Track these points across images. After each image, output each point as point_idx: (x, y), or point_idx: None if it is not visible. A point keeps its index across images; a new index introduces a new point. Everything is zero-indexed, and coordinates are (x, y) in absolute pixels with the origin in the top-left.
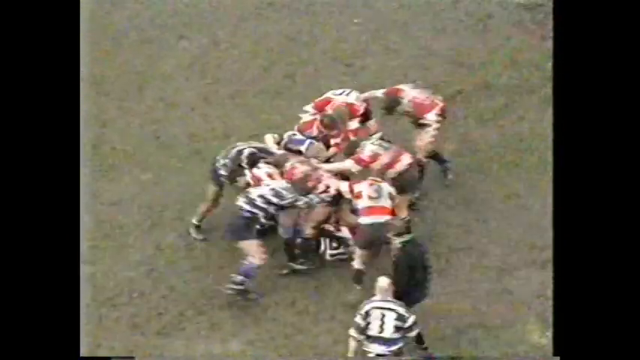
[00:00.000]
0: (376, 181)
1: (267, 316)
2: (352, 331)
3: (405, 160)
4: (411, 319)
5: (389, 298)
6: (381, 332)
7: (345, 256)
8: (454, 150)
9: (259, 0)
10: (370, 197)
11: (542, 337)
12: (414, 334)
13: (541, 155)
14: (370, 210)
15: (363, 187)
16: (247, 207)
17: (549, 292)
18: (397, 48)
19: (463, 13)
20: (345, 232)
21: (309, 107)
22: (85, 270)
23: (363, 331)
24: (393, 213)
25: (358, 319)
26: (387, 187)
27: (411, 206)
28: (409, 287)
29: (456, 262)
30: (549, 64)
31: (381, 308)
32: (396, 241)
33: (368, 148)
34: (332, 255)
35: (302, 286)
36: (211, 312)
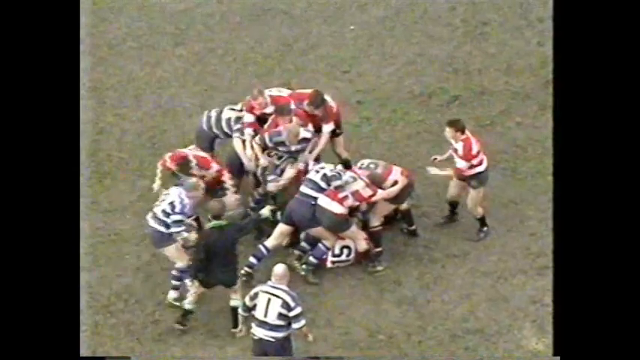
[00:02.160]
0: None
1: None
2: (240, 309)
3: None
4: (297, 310)
5: (280, 285)
6: (265, 316)
7: (346, 264)
8: (450, 157)
9: (255, 7)
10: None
11: (538, 343)
12: (298, 325)
13: (538, 161)
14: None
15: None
16: (314, 193)
17: (546, 299)
18: (393, 54)
19: (459, 19)
20: (348, 241)
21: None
22: (81, 277)
23: (248, 310)
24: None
25: (247, 298)
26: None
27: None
28: (207, 268)
29: (452, 268)
30: (546, 70)
31: (269, 293)
32: (210, 224)
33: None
34: (333, 262)
35: (299, 292)
36: (207, 318)
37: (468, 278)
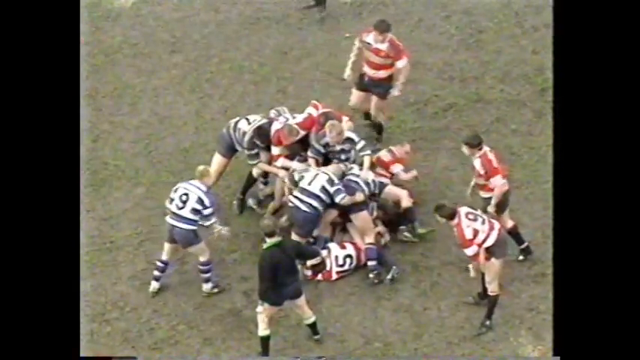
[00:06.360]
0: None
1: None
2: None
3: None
4: (209, 209)
5: (199, 183)
6: (181, 209)
7: (348, 273)
8: (446, 164)
9: (251, 15)
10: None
11: (534, 350)
12: (208, 223)
13: (534, 169)
14: None
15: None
16: (316, 203)
17: (542, 307)
18: None
19: (454, 27)
20: (350, 250)
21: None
22: None
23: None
24: None
25: (171, 193)
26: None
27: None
28: (274, 286)
29: (448, 275)
30: (541, 78)
31: (186, 188)
32: (267, 243)
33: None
34: (338, 272)
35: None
36: (203, 326)
37: (464, 286)
